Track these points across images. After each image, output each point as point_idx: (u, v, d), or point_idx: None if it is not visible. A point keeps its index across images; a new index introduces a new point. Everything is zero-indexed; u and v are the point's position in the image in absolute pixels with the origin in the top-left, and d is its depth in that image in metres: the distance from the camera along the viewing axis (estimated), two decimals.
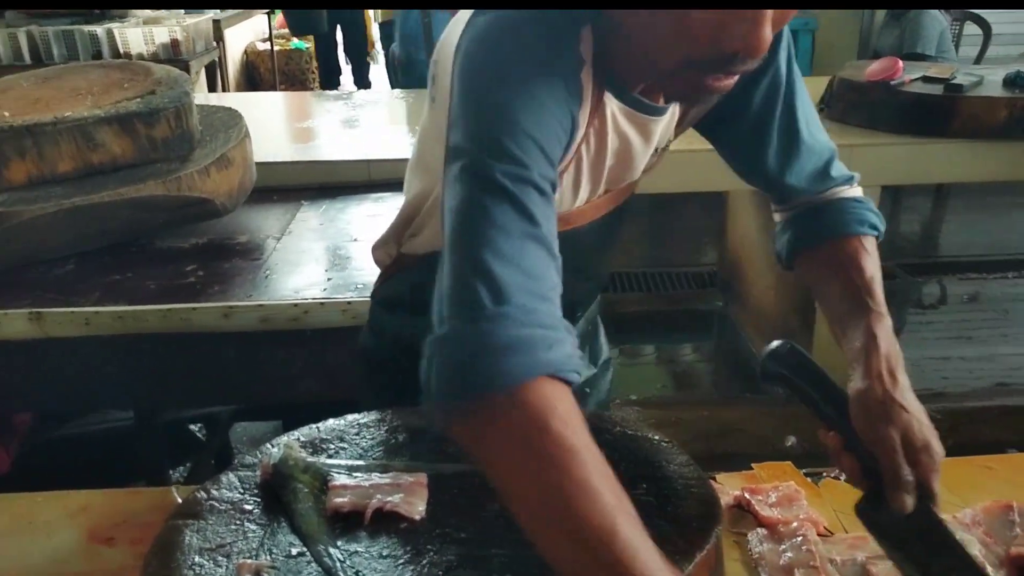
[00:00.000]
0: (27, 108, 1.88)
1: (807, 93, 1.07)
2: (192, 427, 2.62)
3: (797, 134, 1.05)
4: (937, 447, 0.88)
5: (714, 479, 1.05)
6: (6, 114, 1.86)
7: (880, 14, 4.63)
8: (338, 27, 6.43)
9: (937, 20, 4.28)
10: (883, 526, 0.88)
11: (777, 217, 1.15)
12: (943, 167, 2.70)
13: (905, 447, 0.87)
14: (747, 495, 1.01)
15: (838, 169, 1.09)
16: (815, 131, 1.07)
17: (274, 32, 6.27)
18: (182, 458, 2.55)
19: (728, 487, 1.04)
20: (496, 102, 0.79)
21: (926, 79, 2.73)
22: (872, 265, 1.02)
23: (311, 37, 6.59)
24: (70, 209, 1.76)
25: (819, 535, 0.95)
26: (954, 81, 2.64)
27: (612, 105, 0.93)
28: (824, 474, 1.09)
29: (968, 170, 2.68)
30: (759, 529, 0.97)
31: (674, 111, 1.02)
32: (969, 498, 1.03)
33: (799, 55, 5.12)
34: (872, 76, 2.71)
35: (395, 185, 1.63)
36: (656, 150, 1.05)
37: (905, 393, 0.90)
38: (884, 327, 0.95)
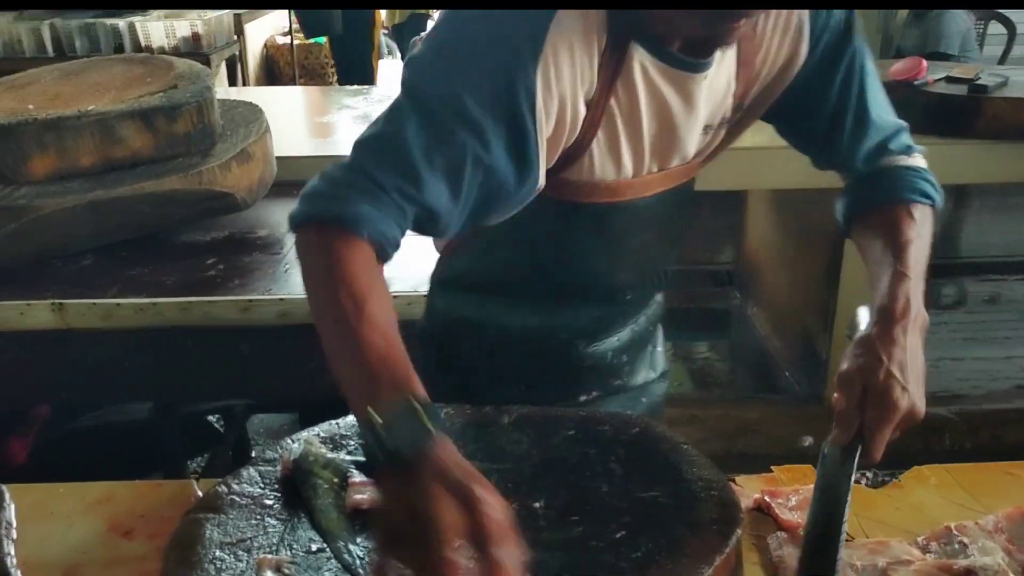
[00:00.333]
0: (50, 102, 1.89)
1: (879, 81, 1.09)
2: (209, 419, 2.64)
3: (867, 115, 1.07)
4: (898, 405, 0.88)
5: (733, 481, 1.04)
6: (30, 107, 1.87)
7: (903, 13, 4.58)
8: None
9: (960, 19, 4.24)
10: (821, 459, 0.92)
11: (841, 184, 1.18)
12: (967, 168, 2.67)
13: (866, 394, 0.89)
14: (767, 498, 1.01)
15: (899, 142, 1.11)
16: (883, 112, 1.10)
17: (294, 27, 6.28)
18: (199, 449, 2.56)
19: (748, 489, 1.04)
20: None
21: (950, 79, 2.71)
22: (911, 230, 1.02)
23: None
24: (91, 203, 1.77)
25: None
26: (979, 81, 2.61)
27: (643, 59, 0.94)
28: None
29: (992, 171, 2.65)
30: (779, 532, 0.96)
31: (726, 80, 1.00)
32: (991, 504, 1.02)
33: None
34: (895, 75, 2.69)
35: None
36: (708, 128, 1.04)
37: (893, 346, 0.90)
38: (902, 287, 0.95)
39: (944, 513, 1.00)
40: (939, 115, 2.59)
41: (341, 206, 0.87)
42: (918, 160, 1.11)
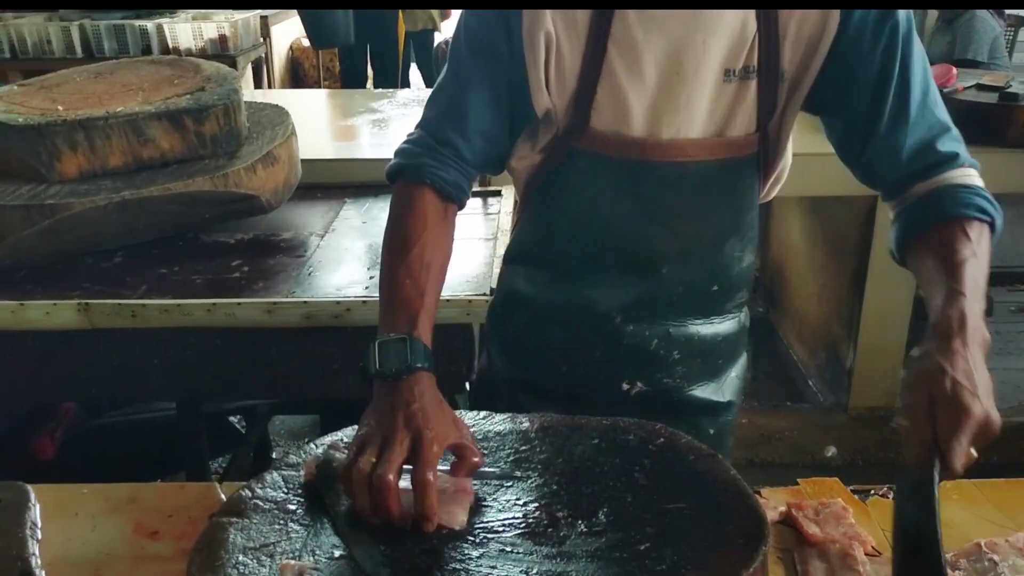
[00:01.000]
0: (80, 103, 1.91)
1: (928, 70, 1.07)
2: (231, 419, 2.65)
3: (909, 98, 1.04)
4: (970, 409, 0.84)
5: (759, 493, 1.03)
6: (60, 108, 1.89)
7: (931, 19, 4.53)
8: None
9: (990, 25, 4.19)
10: (898, 483, 0.88)
11: (890, 215, 1.12)
12: (997, 177, 2.60)
13: (934, 405, 0.85)
14: (793, 511, 0.99)
15: (947, 145, 1.05)
16: (931, 103, 1.06)
17: None
18: (221, 450, 2.58)
19: (773, 502, 1.03)
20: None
21: (980, 87, 2.68)
22: (966, 248, 0.98)
23: None
24: (120, 203, 1.79)
25: (867, 554, 0.93)
26: (1009, 90, 2.58)
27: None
28: (872, 491, 1.07)
29: (1023, 180, 2.62)
30: (804, 546, 0.95)
31: (740, 18, 1.02)
32: (1021, 520, 1.00)
33: None
34: None
35: None
36: (730, 73, 1.05)
37: (954, 357, 0.87)
38: (957, 304, 0.92)
39: (974, 529, 0.98)
40: (969, 123, 2.53)
41: (407, 159, 1.11)
42: (972, 177, 1.06)
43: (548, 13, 1.04)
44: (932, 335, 0.91)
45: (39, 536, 1.01)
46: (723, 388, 1.29)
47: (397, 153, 1.14)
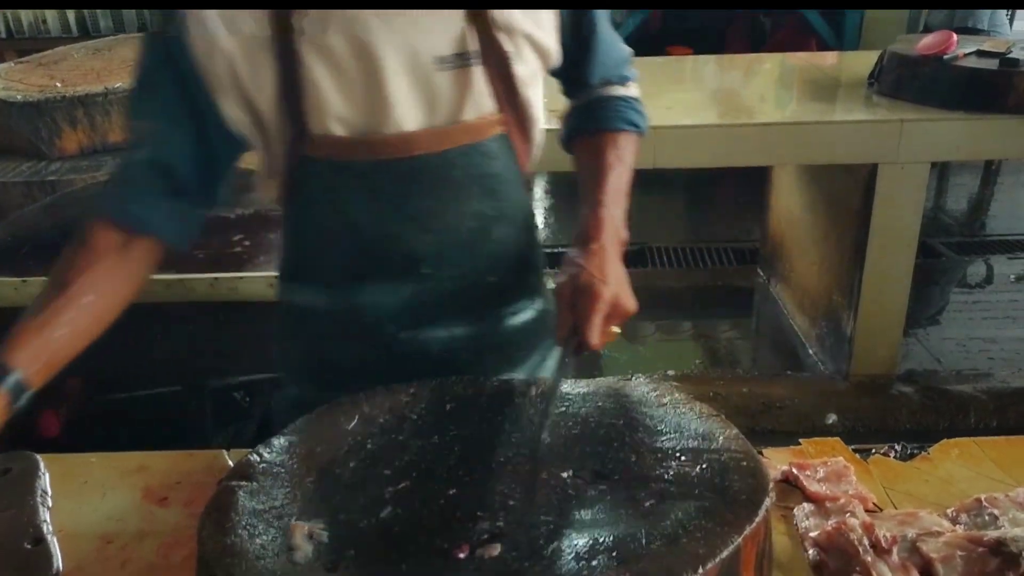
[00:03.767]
0: (79, 79, 1.91)
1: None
2: (235, 394, 2.66)
3: (596, 34, 1.15)
4: (600, 294, 1.00)
5: (761, 453, 1.04)
6: (58, 85, 1.89)
7: None
8: None
9: None
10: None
11: (571, 104, 1.25)
12: (997, 143, 2.64)
13: (574, 295, 1.01)
14: (795, 470, 1.01)
15: (622, 70, 1.21)
16: (615, 35, 1.20)
17: None
18: (225, 424, 2.59)
19: (775, 462, 1.04)
20: None
21: (980, 53, 2.67)
22: (614, 156, 1.15)
23: None
24: None
25: (867, 511, 0.94)
26: (1010, 55, 2.57)
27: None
28: (873, 451, 1.08)
29: (1023, 146, 2.62)
30: (806, 504, 0.96)
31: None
32: (1021, 478, 1.01)
33: (848, 29, 5.04)
34: (925, 50, 2.65)
35: None
36: (444, 60, 1.02)
37: (592, 256, 1.04)
38: (598, 213, 1.09)
39: (974, 486, 0.99)
40: (969, 90, 2.56)
41: (100, 201, 1.08)
42: (631, 90, 1.22)
43: (221, 36, 0.98)
44: (576, 240, 1.08)
45: (50, 504, 1.03)
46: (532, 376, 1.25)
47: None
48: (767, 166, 3.50)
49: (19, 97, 1.84)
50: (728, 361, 3.32)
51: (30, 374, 0.94)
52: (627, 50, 1.24)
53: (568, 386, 1.06)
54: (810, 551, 0.89)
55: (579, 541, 0.80)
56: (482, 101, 1.06)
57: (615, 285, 1.02)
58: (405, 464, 0.94)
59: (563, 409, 1.02)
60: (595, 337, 0.99)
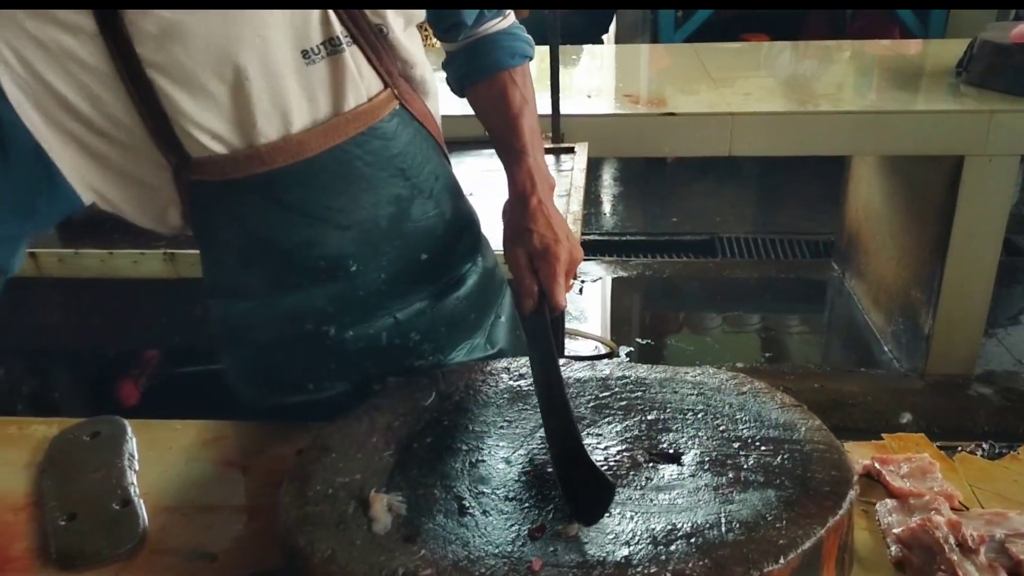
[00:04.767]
0: None
1: None
2: None
3: None
4: (557, 254, 1.02)
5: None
6: None
7: None
8: None
9: None
10: (525, 332, 1.08)
11: (446, 50, 1.21)
12: None
13: (531, 259, 1.03)
14: (877, 465, 0.98)
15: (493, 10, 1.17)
16: None
17: None
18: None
19: (857, 456, 1.01)
20: None
21: None
22: (519, 97, 1.15)
23: None
24: None
25: (953, 509, 0.91)
26: None
27: None
28: (959, 448, 1.05)
29: None
30: (888, 500, 0.94)
31: None
32: None
33: (934, 16, 4.87)
34: (1018, 38, 2.55)
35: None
36: (308, 53, 0.95)
37: (535, 214, 1.06)
38: (524, 165, 1.10)
39: None
40: None
41: None
42: (510, 19, 1.18)
43: (25, 97, 0.89)
44: (512, 198, 1.10)
45: (136, 467, 1.06)
46: (491, 339, 1.24)
47: None
48: (845, 157, 3.41)
49: None
50: (799, 356, 3.26)
51: None
52: None
53: (646, 371, 1.06)
54: (892, 547, 0.87)
55: (657, 525, 0.80)
56: (364, 84, 1.00)
57: (565, 239, 1.04)
58: (479, 440, 0.95)
59: (640, 393, 1.01)
60: (562, 298, 1.02)
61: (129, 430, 1.12)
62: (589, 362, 1.08)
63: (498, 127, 1.15)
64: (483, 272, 1.23)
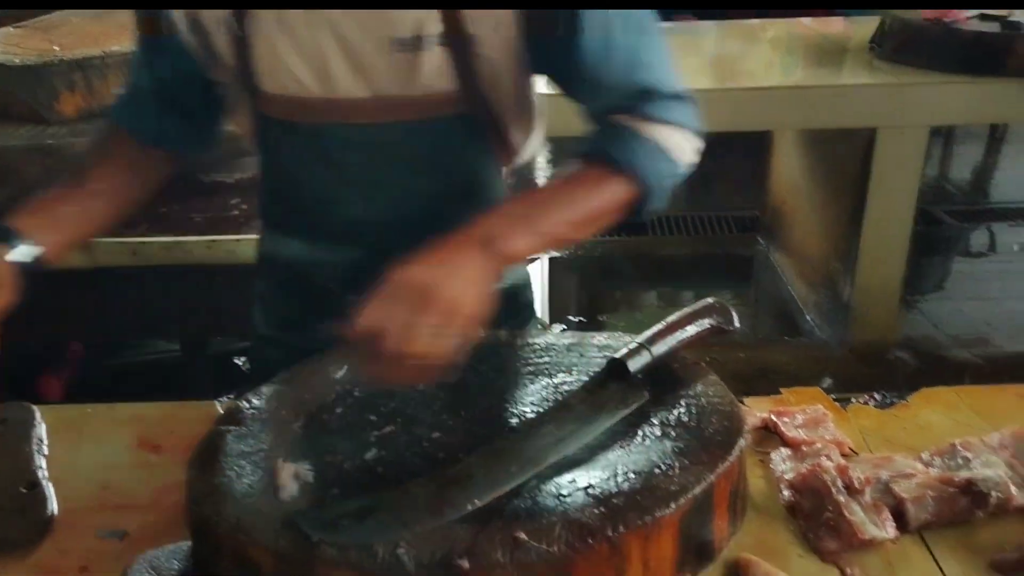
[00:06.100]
0: (77, 43, 1.92)
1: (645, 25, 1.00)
2: (236, 360, 2.69)
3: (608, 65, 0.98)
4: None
5: (742, 402, 1.06)
6: (56, 49, 1.89)
7: None
8: None
9: None
10: None
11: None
12: (997, 107, 2.63)
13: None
14: (774, 417, 1.02)
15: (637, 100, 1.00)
16: (647, 54, 1.01)
17: None
18: (226, 390, 2.62)
19: (756, 410, 1.06)
20: None
21: (984, 17, 2.65)
22: (569, 181, 0.99)
23: None
24: None
25: (843, 455, 0.96)
26: (1012, 19, 2.56)
27: None
28: (852, 399, 1.10)
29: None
30: (783, 449, 0.98)
31: None
32: (999, 425, 1.02)
33: None
34: (929, 14, 2.64)
35: None
36: (403, 42, 0.97)
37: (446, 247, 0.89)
38: (505, 210, 0.97)
39: (951, 433, 1.00)
40: (972, 53, 2.54)
41: (115, 112, 1.16)
42: (653, 128, 0.99)
43: None
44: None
45: (45, 451, 1.05)
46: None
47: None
48: (770, 135, 3.49)
49: (17, 61, 1.85)
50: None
51: (38, 239, 1.00)
52: (664, 81, 1.01)
53: (556, 337, 1.08)
54: (785, 492, 0.91)
55: (556, 479, 0.82)
56: (435, 80, 1.00)
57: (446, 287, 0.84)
58: (391, 410, 0.96)
59: (548, 358, 1.03)
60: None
61: (38, 415, 1.11)
62: (496, 331, 1.10)
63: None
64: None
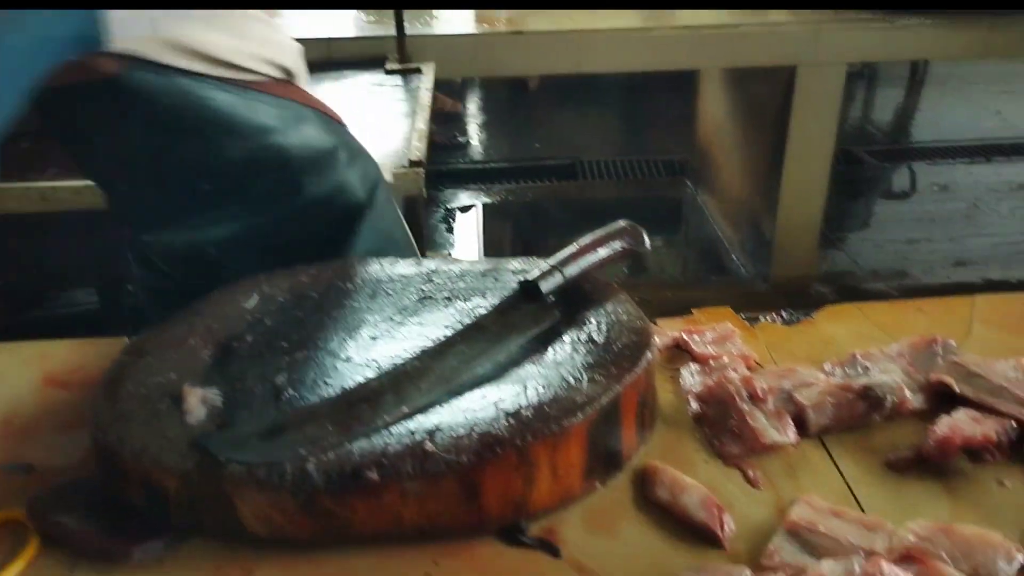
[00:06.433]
0: None
1: None
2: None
3: None
4: None
5: (655, 323, 1.08)
6: None
7: None
8: None
9: None
10: None
11: None
12: (913, 44, 2.69)
13: None
14: (684, 335, 1.04)
15: None
16: None
17: None
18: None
19: (667, 329, 1.07)
20: None
21: None
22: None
23: None
24: None
25: (749, 369, 0.98)
26: None
27: None
28: (760, 318, 1.13)
29: (944, 46, 2.68)
30: (692, 364, 1.00)
31: None
32: (901, 337, 1.06)
33: None
34: None
35: None
36: None
37: None
38: None
39: (853, 345, 1.03)
40: None
41: None
42: None
43: None
44: None
45: None
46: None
47: None
48: (696, 77, 3.51)
49: None
50: (657, 269, 3.38)
51: None
52: None
53: (471, 264, 1.08)
54: (693, 404, 0.93)
55: (468, 395, 0.83)
56: None
57: None
58: (303, 338, 0.96)
59: (463, 284, 1.04)
60: None
61: None
62: (414, 259, 1.10)
63: None
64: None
